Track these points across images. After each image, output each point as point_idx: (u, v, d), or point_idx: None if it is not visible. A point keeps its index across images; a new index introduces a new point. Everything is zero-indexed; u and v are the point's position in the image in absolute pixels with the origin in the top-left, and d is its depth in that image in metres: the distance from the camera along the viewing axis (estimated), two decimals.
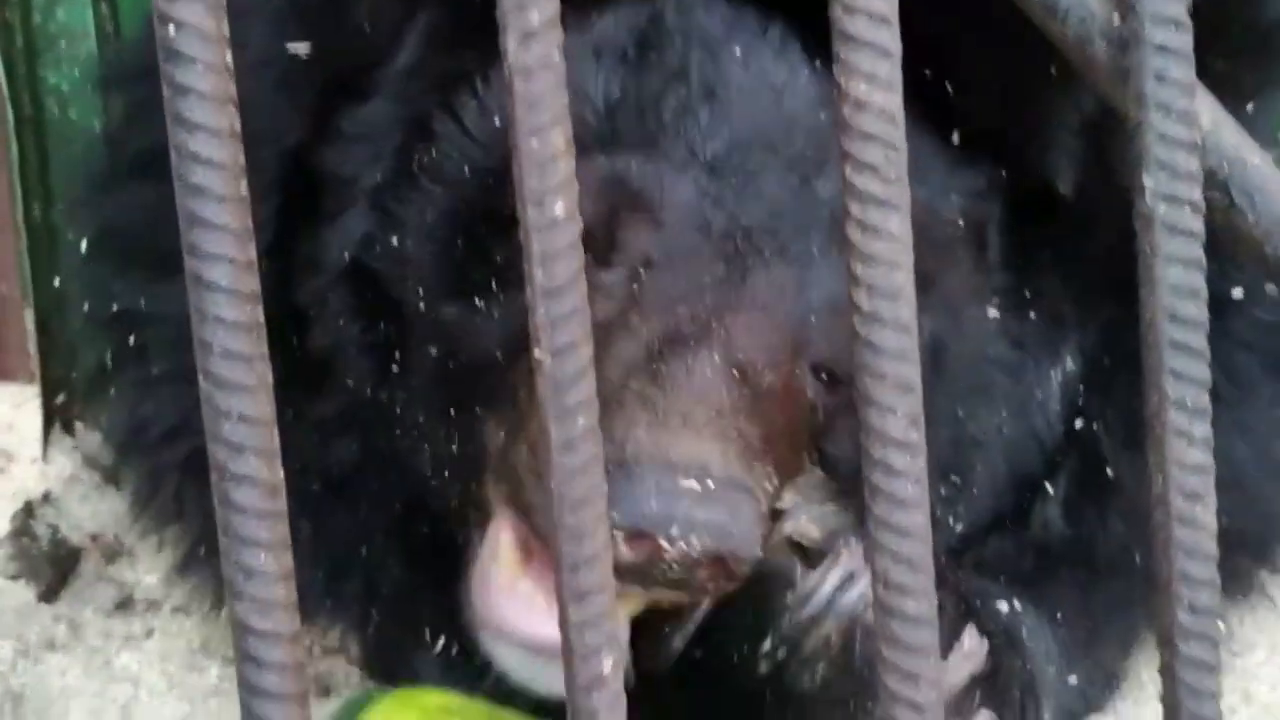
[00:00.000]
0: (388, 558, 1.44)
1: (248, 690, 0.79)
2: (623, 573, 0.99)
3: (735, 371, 1.18)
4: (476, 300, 1.27)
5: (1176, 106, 0.84)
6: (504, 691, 1.28)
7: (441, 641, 1.34)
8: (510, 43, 0.77)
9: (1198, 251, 0.85)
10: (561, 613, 0.81)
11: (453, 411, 1.29)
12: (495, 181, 1.24)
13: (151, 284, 1.46)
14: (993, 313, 1.36)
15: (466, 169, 1.31)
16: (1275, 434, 1.43)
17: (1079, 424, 1.40)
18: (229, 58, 0.77)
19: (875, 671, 0.91)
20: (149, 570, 1.99)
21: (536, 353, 0.80)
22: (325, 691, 1.73)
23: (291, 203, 1.35)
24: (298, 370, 1.31)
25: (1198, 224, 0.85)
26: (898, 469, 0.82)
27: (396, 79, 1.34)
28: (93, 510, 2.11)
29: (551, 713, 1.21)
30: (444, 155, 1.32)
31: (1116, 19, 0.86)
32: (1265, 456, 1.42)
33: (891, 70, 0.78)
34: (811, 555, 1.18)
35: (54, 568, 1.96)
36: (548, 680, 1.16)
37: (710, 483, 1.11)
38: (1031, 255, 1.35)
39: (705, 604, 1.20)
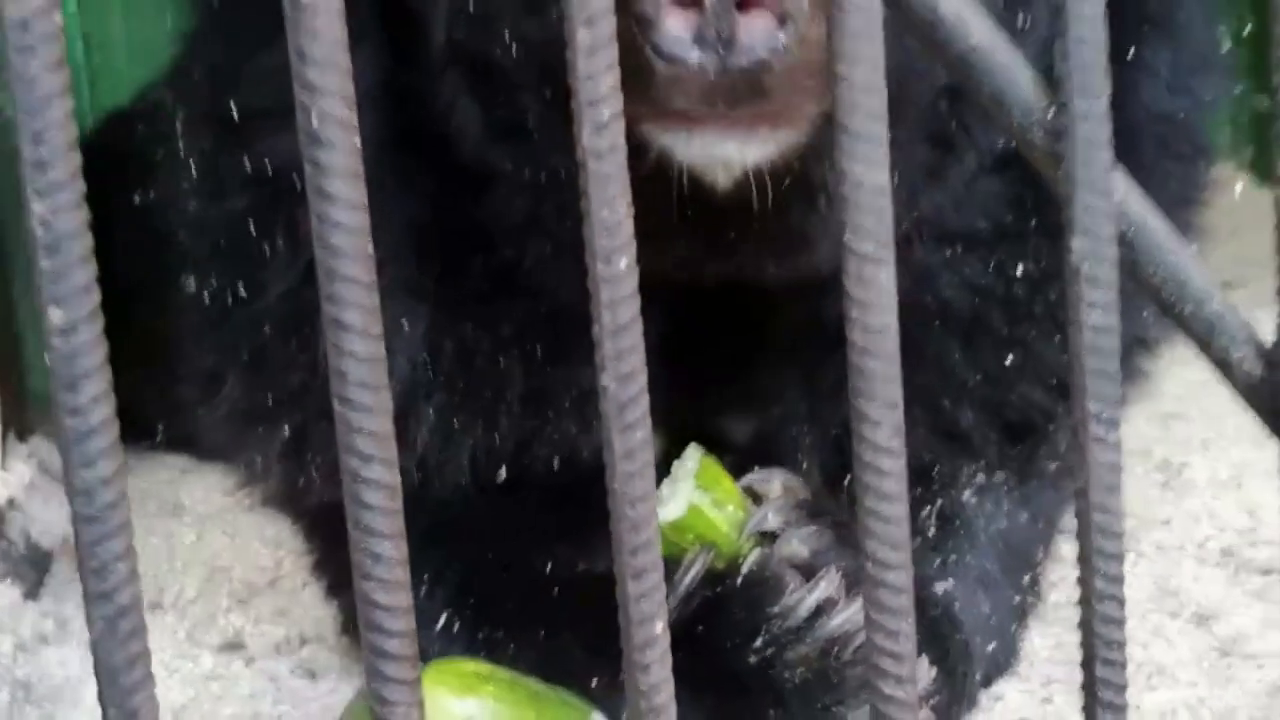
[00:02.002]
0: None
1: (374, 654, 0.97)
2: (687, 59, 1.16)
3: None
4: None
5: (1098, 185, 1.06)
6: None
7: None
8: (584, 133, 0.97)
9: (1113, 297, 1.07)
10: (620, 588, 1.01)
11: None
12: None
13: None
14: None
15: None
16: None
17: None
18: (358, 141, 0.94)
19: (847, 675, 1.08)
20: None
21: (603, 378, 0.99)
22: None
23: None
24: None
25: (1114, 276, 1.08)
26: (885, 469, 1.04)
27: None
28: (56, 515, 2.22)
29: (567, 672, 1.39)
30: None
31: (1052, 113, 1.08)
32: None
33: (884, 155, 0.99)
34: (804, 569, 1.37)
35: (33, 568, 2.07)
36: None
37: None
38: None
39: (699, 560, 1.37)
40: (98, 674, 0.97)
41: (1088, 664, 1.13)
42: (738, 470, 1.54)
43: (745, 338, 1.70)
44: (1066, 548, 2.02)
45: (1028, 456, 1.71)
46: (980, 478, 1.67)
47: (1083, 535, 1.10)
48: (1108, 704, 1.13)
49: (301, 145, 0.93)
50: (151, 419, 2.41)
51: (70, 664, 1.83)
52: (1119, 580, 1.12)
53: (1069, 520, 2.20)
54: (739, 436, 1.78)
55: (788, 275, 1.51)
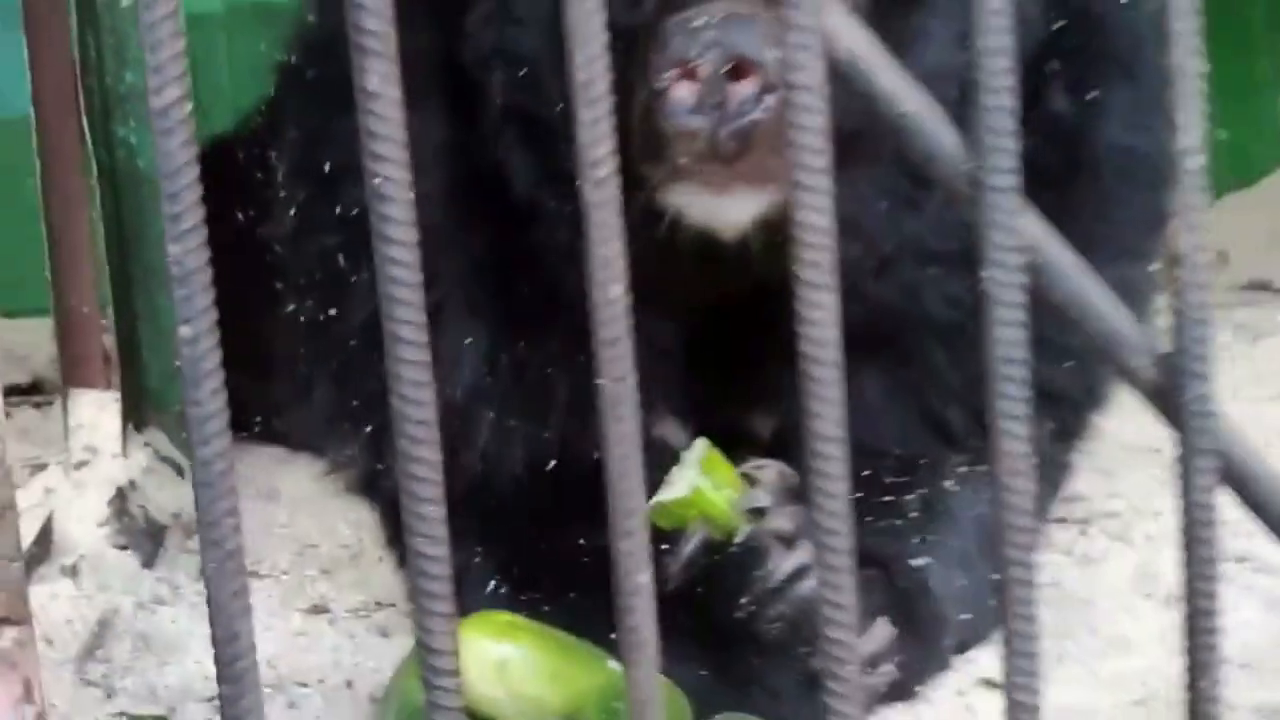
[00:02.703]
0: None
1: (423, 595, 1.25)
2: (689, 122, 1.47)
3: None
4: None
5: (1005, 224, 1.31)
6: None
7: None
8: (587, 187, 1.24)
9: (1021, 315, 1.32)
10: (613, 546, 1.28)
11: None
12: None
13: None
14: None
15: None
16: None
17: None
18: (412, 196, 1.22)
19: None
20: None
21: (599, 379, 1.26)
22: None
23: None
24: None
25: (1021, 298, 1.33)
26: (829, 454, 1.30)
27: None
28: (169, 495, 2.54)
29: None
30: None
31: (970, 167, 1.33)
32: None
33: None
34: (787, 540, 1.63)
35: (150, 540, 2.39)
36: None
37: (726, 15, 1.51)
38: None
39: (699, 531, 1.63)
40: (210, 603, 1.26)
41: (1004, 618, 1.38)
42: None
43: (761, 341, 1.95)
44: (1055, 533, 2.27)
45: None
46: (963, 468, 1.91)
47: (996, 511, 1.35)
48: (1019, 652, 1.37)
49: (368, 199, 1.21)
50: (251, 414, 2.73)
51: (181, 621, 2.13)
52: (1030, 548, 1.37)
53: (1074, 509, 2.44)
54: (763, 431, 2.03)
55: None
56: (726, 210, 1.64)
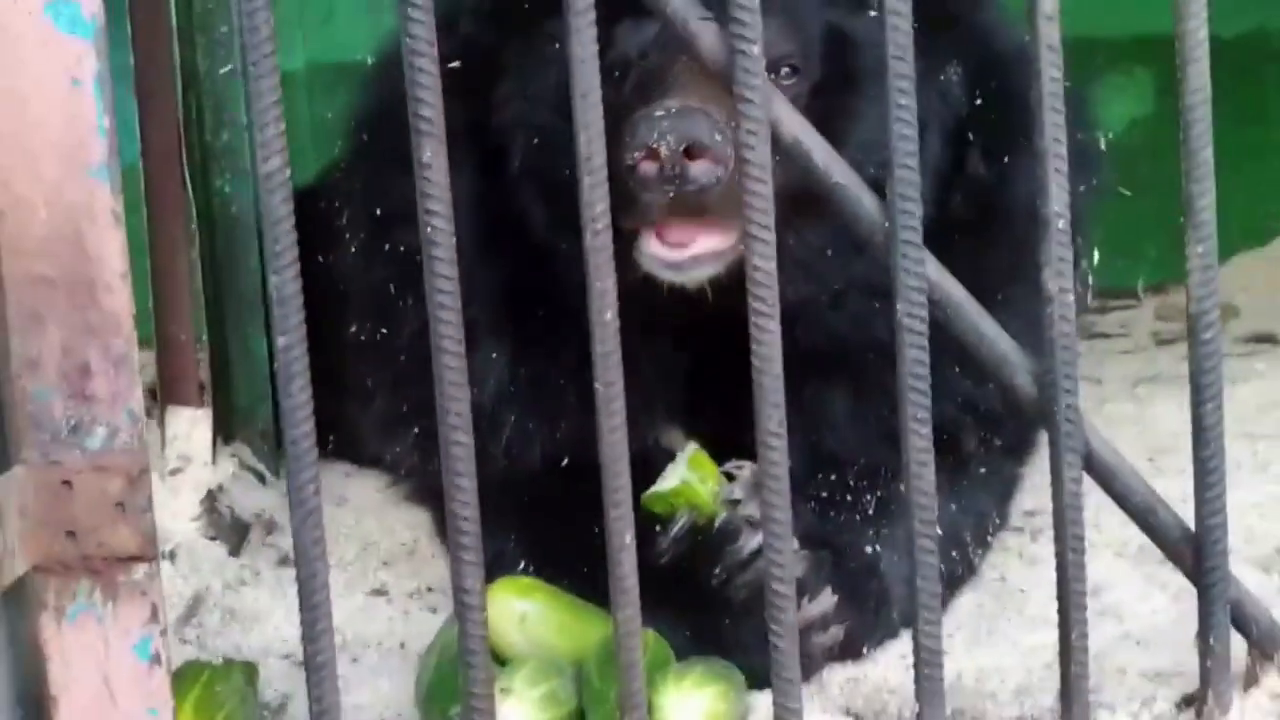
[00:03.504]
0: None
1: (457, 546, 1.63)
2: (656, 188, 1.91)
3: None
4: None
5: (913, 269, 1.69)
6: None
7: None
8: (586, 236, 1.63)
9: (925, 343, 1.70)
10: (605, 511, 1.66)
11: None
12: None
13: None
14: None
15: None
16: None
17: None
18: (454, 240, 1.62)
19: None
20: None
21: (596, 384, 1.65)
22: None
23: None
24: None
25: (924, 328, 1.70)
26: (773, 445, 1.68)
27: None
28: (252, 499, 2.93)
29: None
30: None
31: (885, 224, 1.72)
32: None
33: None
34: (754, 525, 1.99)
35: (236, 534, 2.78)
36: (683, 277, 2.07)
37: (680, 108, 1.90)
38: None
39: (686, 516, 2.02)
40: (295, 550, 1.65)
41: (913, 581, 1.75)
42: None
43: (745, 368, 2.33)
44: (1010, 539, 2.61)
45: (957, 462, 2.31)
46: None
47: (908, 499, 1.72)
48: (925, 619, 1.74)
49: (421, 242, 1.61)
50: (324, 432, 3.14)
51: (260, 600, 2.51)
52: (931, 537, 1.73)
53: (1031, 521, 2.75)
54: (748, 440, 2.40)
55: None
56: (686, 275, 2.08)
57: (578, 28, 1.59)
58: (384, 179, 2.27)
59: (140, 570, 1.59)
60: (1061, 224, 1.69)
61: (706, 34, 1.68)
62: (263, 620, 2.43)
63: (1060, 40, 1.68)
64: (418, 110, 1.59)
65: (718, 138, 1.91)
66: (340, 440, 3.11)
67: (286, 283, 1.57)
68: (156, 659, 1.58)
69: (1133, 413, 3.35)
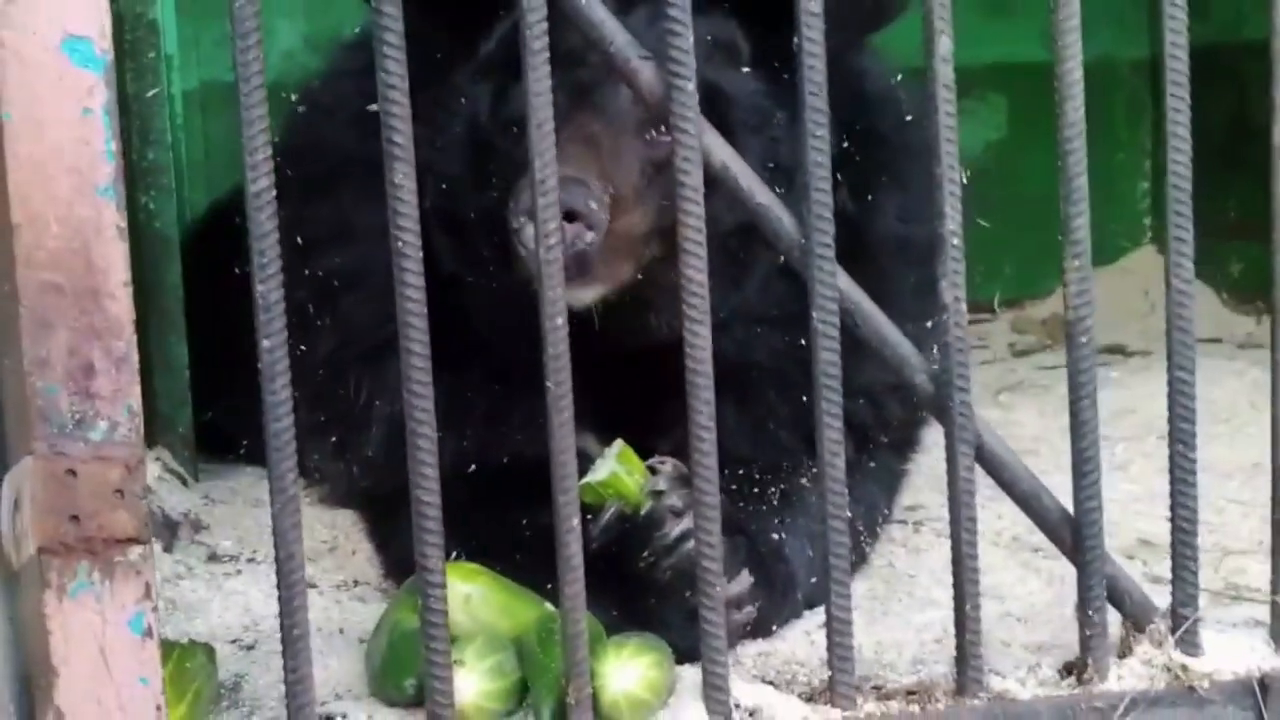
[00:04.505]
0: None
1: (420, 529, 1.81)
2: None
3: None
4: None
5: (826, 281, 1.91)
6: None
7: None
8: (540, 252, 1.82)
9: (838, 346, 1.92)
10: (554, 500, 1.85)
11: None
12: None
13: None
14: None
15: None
16: None
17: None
18: (420, 262, 1.80)
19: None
20: (223, 538, 2.97)
21: (547, 383, 1.84)
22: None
23: None
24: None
25: (836, 333, 1.91)
26: (703, 438, 1.88)
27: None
28: (177, 499, 3.07)
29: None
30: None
31: (801, 242, 1.93)
32: None
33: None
34: (677, 513, 2.20)
35: (168, 531, 2.91)
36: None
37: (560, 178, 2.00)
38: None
39: (614, 506, 2.21)
40: (275, 533, 1.81)
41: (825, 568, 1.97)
42: None
43: (661, 383, 2.53)
44: (895, 531, 2.85)
45: (851, 457, 2.53)
46: (815, 470, 2.48)
47: (822, 483, 1.94)
48: (837, 591, 1.96)
49: (392, 254, 1.78)
50: (237, 438, 3.28)
51: (198, 591, 2.65)
52: (843, 517, 1.95)
53: (914, 515, 2.98)
54: (665, 449, 2.61)
55: (644, 344, 2.39)
56: (573, 297, 2.22)
57: (534, 65, 1.78)
58: (305, 208, 2.45)
59: (135, 551, 1.73)
60: (956, 241, 1.91)
61: (645, 71, 1.88)
62: (203, 610, 2.57)
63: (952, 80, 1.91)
64: (390, 137, 1.77)
65: (592, 205, 2.15)
66: (254, 446, 3.26)
67: (271, 290, 1.74)
68: (148, 633, 1.73)
69: (998, 418, 3.62)
